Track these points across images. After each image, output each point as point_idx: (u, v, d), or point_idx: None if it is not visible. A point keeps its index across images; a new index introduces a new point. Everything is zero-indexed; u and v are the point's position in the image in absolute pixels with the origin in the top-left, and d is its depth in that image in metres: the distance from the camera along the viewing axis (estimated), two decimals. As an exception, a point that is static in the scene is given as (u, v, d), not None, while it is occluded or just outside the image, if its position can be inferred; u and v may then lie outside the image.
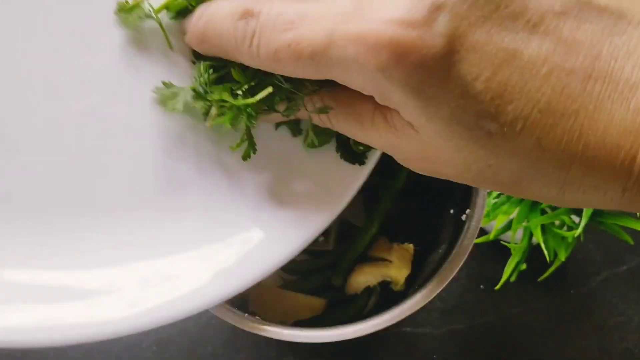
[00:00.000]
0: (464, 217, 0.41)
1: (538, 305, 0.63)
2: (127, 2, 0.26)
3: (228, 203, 0.28)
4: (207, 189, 0.28)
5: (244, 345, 0.61)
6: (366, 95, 0.23)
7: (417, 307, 0.38)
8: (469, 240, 0.39)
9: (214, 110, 0.25)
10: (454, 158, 0.23)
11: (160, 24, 0.26)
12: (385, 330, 0.61)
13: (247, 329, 0.37)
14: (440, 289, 0.38)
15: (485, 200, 0.41)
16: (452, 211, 0.46)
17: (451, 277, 0.39)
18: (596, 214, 0.50)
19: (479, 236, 0.52)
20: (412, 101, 0.21)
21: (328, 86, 0.25)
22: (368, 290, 0.50)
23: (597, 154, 0.20)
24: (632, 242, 0.49)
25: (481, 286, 0.64)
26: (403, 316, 0.38)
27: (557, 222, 0.52)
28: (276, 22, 0.23)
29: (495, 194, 0.50)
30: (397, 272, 0.49)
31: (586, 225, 0.66)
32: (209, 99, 0.25)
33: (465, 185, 0.44)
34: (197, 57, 0.27)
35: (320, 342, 0.38)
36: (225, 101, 0.24)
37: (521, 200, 0.50)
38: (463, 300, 0.63)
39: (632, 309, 0.63)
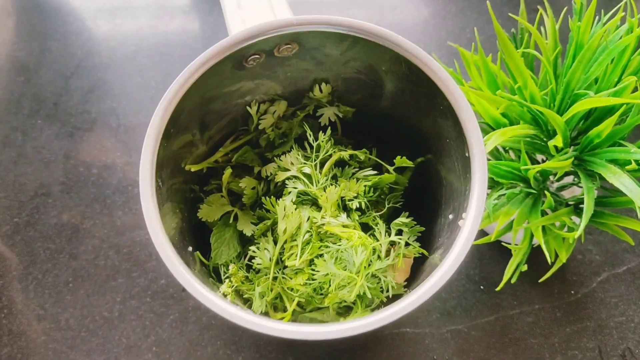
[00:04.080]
0: (460, 222, 0.41)
1: (538, 305, 0.63)
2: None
3: None
4: None
5: (243, 346, 0.61)
6: None
7: (412, 308, 0.38)
8: (464, 245, 0.39)
9: None
10: None
11: None
12: (382, 330, 0.61)
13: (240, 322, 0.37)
14: (435, 292, 0.38)
15: (482, 205, 0.40)
16: (450, 216, 0.45)
17: (447, 280, 0.38)
18: (597, 215, 0.50)
19: (479, 238, 0.52)
20: None
21: None
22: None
23: None
24: (632, 243, 0.49)
25: (481, 287, 0.64)
26: (397, 316, 0.38)
27: (557, 223, 0.52)
28: None
29: (495, 195, 0.50)
30: (397, 276, 0.49)
31: (587, 227, 0.66)
32: None
33: (463, 190, 0.44)
34: None
35: (316, 339, 0.38)
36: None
37: (522, 202, 0.49)
38: (463, 301, 0.63)
39: (632, 309, 0.63)
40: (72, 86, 0.77)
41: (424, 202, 0.54)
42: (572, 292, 0.64)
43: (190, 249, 0.48)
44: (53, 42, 0.81)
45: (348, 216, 0.50)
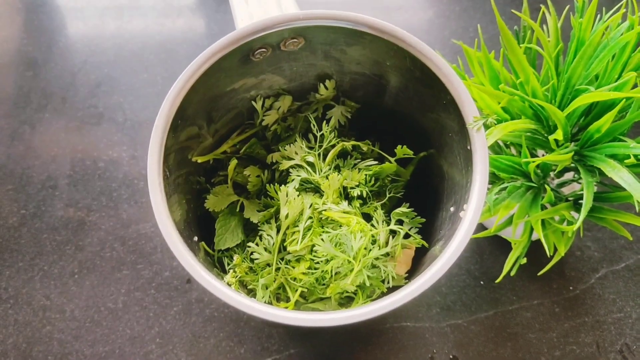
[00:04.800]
0: (462, 213, 0.42)
1: (537, 301, 0.63)
2: None
3: None
4: None
5: (246, 338, 0.62)
6: None
7: (411, 297, 0.38)
8: (464, 236, 0.40)
9: None
10: None
11: None
12: (384, 323, 0.62)
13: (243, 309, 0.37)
14: (435, 281, 0.39)
15: (483, 198, 0.41)
16: (452, 209, 0.46)
17: (445, 271, 0.39)
18: (596, 210, 0.51)
19: (478, 232, 0.52)
20: None
21: None
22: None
23: None
24: (631, 238, 0.50)
25: (481, 282, 0.64)
26: (397, 305, 0.38)
27: (557, 218, 0.52)
28: None
29: (496, 189, 0.51)
30: (398, 267, 0.50)
31: (586, 223, 0.67)
32: None
33: (464, 183, 0.44)
34: None
35: (318, 325, 0.38)
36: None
37: (522, 196, 0.50)
38: (463, 296, 0.64)
39: (629, 305, 0.63)
40: (79, 81, 0.78)
41: (426, 197, 0.55)
42: (571, 288, 0.64)
43: (195, 238, 0.49)
44: (61, 38, 0.82)
45: (349, 204, 0.50)
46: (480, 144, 0.42)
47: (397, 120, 0.56)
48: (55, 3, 0.87)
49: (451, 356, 0.61)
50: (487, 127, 0.45)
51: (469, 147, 0.43)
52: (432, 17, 0.82)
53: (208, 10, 0.86)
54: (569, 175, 0.57)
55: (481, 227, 0.67)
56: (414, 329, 0.62)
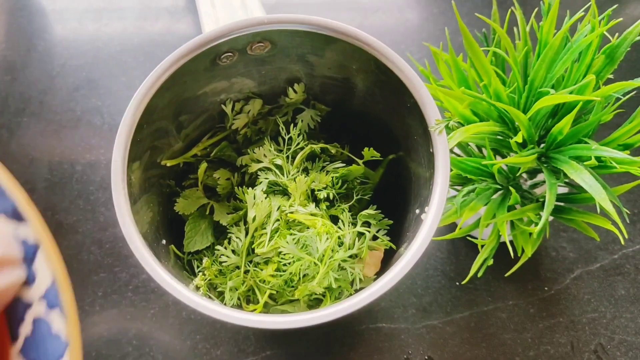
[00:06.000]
0: (423, 216, 0.42)
1: (512, 302, 0.64)
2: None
3: None
4: None
5: (222, 340, 0.62)
6: None
7: (373, 298, 0.39)
8: (425, 238, 0.40)
9: None
10: None
11: None
12: (359, 325, 0.62)
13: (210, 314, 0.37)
14: (396, 282, 0.39)
15: (443, 200, 0.41)
16: (417, 211, 0.47)
17: (407, 271, 0.40)
18: (564, 211, 0.51)
19: (450, 232, 0.53)
20: None
21: None
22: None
23: None
24: (598, 239, 0.50)
25: (457, 283, 0.65)
26: (359, 306, 0.39)
27: (525, 219, 0.53)
28: None
29: (465, 191, 0.51)
30: (367, 269, 0.50)
31: (561, 223, 0.67)
32: None
33: (428, 185, 0.45)
34: None
35: (279, 327, 0.39)
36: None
37: (489, 198, 0.50)
38: (439, 297, 0.64)
39: (604, 305, 0.64)
40: (57, 85, 0.78)
41: (397, 199, 0.55)
42: (546, 288, 0.64)
43: (164, 242, 0.49)
44: (40, 42, 0.82)
45: (317, 206, 0.51)
46: (442, 146, 0.43)
47: (367, 122, 0.56)
48: (36, 6, 0.87)
49: (426, 357, 0.61)
50: (451, 129, 0.45)
51: (431, 150, 0.44)
52: (409, 19, 0.82)
53: (187, 13, 0.86)
54: (541, 177, 0.57)
55: (455, 227, 0.67)
56: (390, 330, 0.63)
